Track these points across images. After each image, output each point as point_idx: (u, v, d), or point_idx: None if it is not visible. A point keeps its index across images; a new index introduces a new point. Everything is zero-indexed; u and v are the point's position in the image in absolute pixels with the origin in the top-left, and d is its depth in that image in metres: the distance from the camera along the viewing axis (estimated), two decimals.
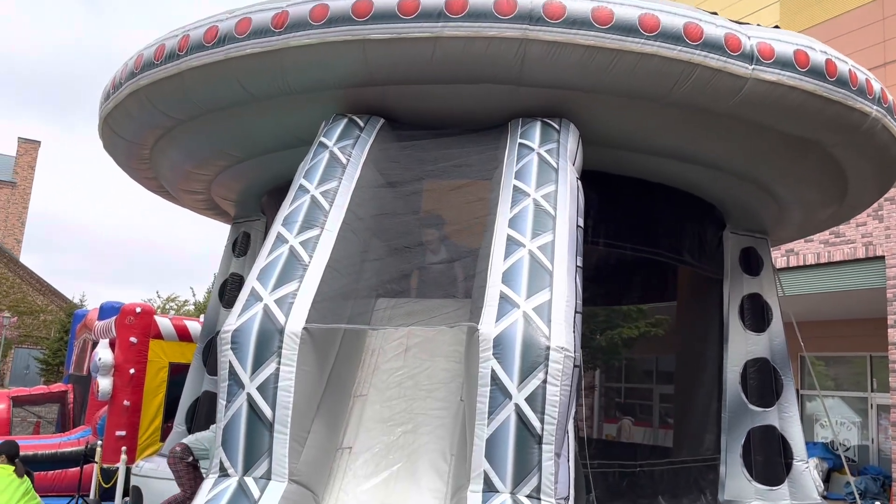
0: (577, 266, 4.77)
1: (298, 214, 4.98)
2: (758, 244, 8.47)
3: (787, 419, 7.95)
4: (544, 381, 4.00)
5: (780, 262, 14.02)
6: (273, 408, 4.17)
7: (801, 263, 14.01)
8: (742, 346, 8.03)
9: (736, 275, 8.21)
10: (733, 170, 6.74)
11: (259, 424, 4.17)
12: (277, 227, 4.95)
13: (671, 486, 6.84)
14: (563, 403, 4.02)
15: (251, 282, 4.59)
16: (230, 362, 4.27)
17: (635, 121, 5.92)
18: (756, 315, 8.17)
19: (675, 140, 6.22)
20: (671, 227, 7.37)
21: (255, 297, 4.47)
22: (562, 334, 4.14)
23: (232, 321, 4.39)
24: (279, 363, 4.23)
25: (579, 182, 5.34)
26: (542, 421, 3.94)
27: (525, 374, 4.01)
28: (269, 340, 4.27)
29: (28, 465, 7.91)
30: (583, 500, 5.01)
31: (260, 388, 4.21)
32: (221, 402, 4.27)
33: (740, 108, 5.64)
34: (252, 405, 4.18)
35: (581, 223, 5.10)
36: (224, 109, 6.23)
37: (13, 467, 7.30)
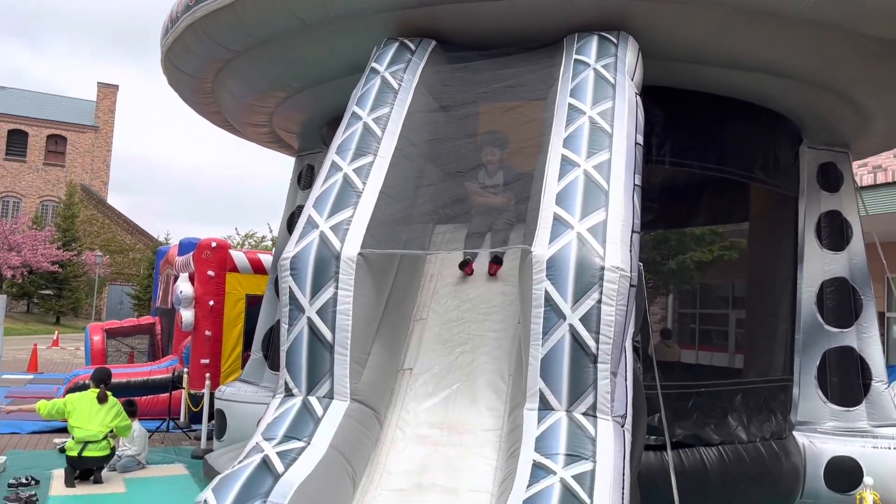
0: (635, 185, 4.64)
1: (351, 142, 4.99)
2: (837, 159, 8.04)
3: (866, 340, 7.68)
4: (599, 301, 3.96)
5: (865, 180, 13.28)
6: (333, 331, 4.29)
7: (889, 180, 13.24)
8: (818, 265, 7.73)
9: (813, 192, 7.85)
10: (809, 78, 6.35)
11: (320, 347, 4.30)
12: (331, 155, 4.99)
13: (739, 407, 6.75)
14: (619, 323, 3.98)
15: (308, 209, 4.67)
16: (290, 288, 4.39)
17: (699, 29, 5.61)
18: (834, 233, 7.83)
19: (743, 48, 5.88)
20: (742, 143, 7.04)
21: (311, 224, 4.55)
22: (617, 254, 4.06)
23: (290, 248, 4.49)
24: (336, 288, 4.32)
25: (639, 98, 5.14)
26: (596, 341, 3.91)
27: (579, 295, 3.97)
28: (325, 266, 4.36)
29: (121, 392, 8.46)
30: (644, 421, 5.00)
31: (319, 312, 4.32)
32: (284, 327, 4.41)
33: (815, 9, 5.26)
34: (312, 328, 4.31)
35: (640, 141, 4.93)
36: (278, 39, 6.24)
37: (98, 391, 7.83)
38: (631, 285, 4.05)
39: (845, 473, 6.97)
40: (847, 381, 7.54)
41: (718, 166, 7.00)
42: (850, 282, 7.69)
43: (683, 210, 9.90)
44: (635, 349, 4.53)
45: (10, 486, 7.16)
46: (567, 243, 4.07)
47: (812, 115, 7.20)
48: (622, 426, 3.95)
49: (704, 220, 11.47)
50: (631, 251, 4.18)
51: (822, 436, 7.24)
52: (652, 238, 13.13)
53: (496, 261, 5.41)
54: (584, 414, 3.89)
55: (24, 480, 7.34)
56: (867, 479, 5.31)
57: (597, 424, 3.83)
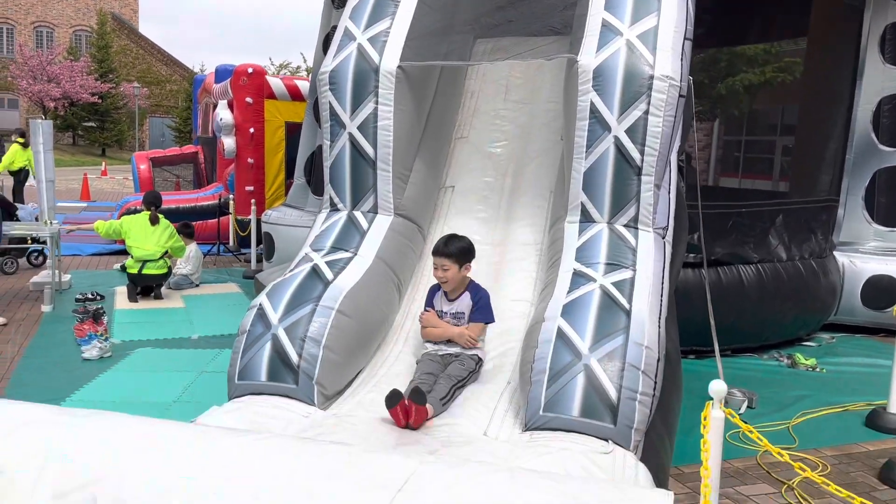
0: None
1: None
2: None
3: None
4: (646, 112, 3.85)
5: None
6: (374, 146, 4.29)
7: None
8: (878, 81, 7.36)
9: (880, 1, 7.30)
10: None
11: (362, 162, 4.32)
12: None
13: (780, 227, 6.73)
14: (666, 135, 3.89)
15: (344, 21, 4.52)
16: (330, 103, 4.35)
17: None
18: None
19: None
20: None
21: (348, 36, 4.42)
22: (667, 62, 3.89)
23: (328, 62, 4.40)
24: (377, 102, 4.27)
25: None
26: (641, 153, 3.85)
27: (626, 106, 3.86)
28: (365, 80, 4.28)
29: (170, 218, 8.76)
30: (685, 237, 5.03)
31: (360, 128, 4.30)
32: (326, 143, 4.42)
33: None
34: (354, 144, 4.31)
35: None
36: None
37: (150, 213, 8.12)
38: (680, 95, 3.92)
39: (883, 291, 7.04)
40: (895, 201, 7.42)
41: None
42: None
43: (738, 24, 9.34)
44: (679, 168, 4.47)
45: (77, 300, 7.65)
46: (615, 51, 3.90)
47: None
48: (663, 238, 3.98)
49: (760, 35, 10.81)
50: (682, 59, 3.99)
51: (862, 255, 7.25)
52: (701, 59, 12.52)
53: (418, 399, 3.36)
54: (626, 226, 3.92)
55: (89, 296, 7.82)
56: None
57: (638, 236, 3.87)
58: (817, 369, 6.30)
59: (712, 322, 4.24)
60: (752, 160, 18.90)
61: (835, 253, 7.26)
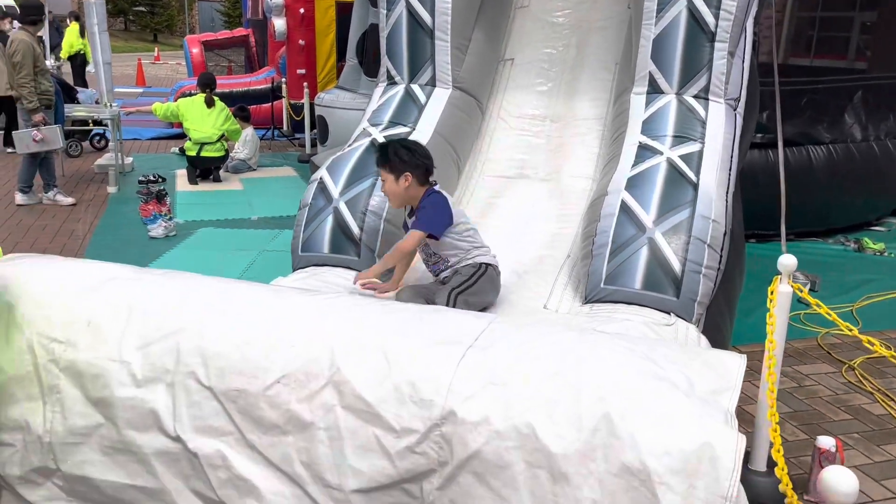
0: None
1: None
2: None
3: None
4: None
5: None
6: (432, 14, 4.13)
7: None
8: None
9: None
10: None
11: (420, 32, 4.18)
12: None
13: (857, 105, 6.38)
14: None
15: None
16: None
17: None
18: None
19: None
20: None
21: None
22: None
23: None
24: None
25: None
26: (716, 17, 3.62)
27: None
28: None
29: (224, 102, 8.76)
30: (756, 115, 4.81)
31: None
32: (382, 13, 4.28)
33: None
34: (411, 12, 4.16)
35: None
36: None
37: (205, 95, 8.12)
38: None
39: None
40: None
41: None
42: None
43: None
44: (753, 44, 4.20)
45: (140, 182, 7.83)
46: None
47: None
48: (734, 109, 3.80)
49: None
50: None
51: None
52: None
53: None
54: (696, 97, 3.74)
55: (152, 178, 7.99)
56: None
57: (708, 107, 3.70)
58: (885, 254, 6.12)
59: (783, 200, 4.11)
60: (826, 39, 17.77)
61: None
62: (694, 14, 3.63)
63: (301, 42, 11.42)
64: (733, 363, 1.86)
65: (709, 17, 3.62)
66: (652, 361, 1.77)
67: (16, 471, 1.97)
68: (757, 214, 5.17)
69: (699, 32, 3.65)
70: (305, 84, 10.67)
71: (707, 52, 3.66)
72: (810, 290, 5.19)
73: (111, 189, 7.81)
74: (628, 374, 1.69)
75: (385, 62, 4.32)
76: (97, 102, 9.50)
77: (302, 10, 11.33)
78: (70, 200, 7.33)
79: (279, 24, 11.41)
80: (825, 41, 18.06)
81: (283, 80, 11.50)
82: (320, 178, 3.75)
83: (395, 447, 1.72)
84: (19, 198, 7.28)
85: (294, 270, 3.66)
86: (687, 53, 3.68)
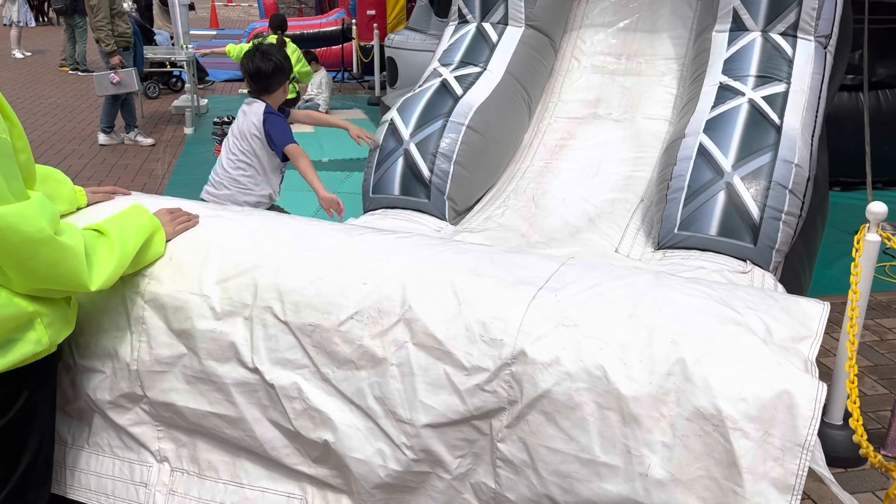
0: None
1: None
2: None
3: None
4: None
5: None
6: None
7: None
8: None
9: None
10: None
11: None
12: None
13: None
14: None
15: None
16: None
17: None
18: None
19: None
20: None
21: None
22: None
23: None
24: None
25: None
26: None
27: None
28: None
29: (296, 43, 8.78)
30: (847, 53, 4.53)
31: None
32: None
33: None
34: None
35: None
36: None
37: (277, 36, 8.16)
38: None
39: None
40: None
41: None
42: None
43: None
44: None
45: (215, 123, 7.99)
46: None
47: None
48: (825, 48, 3.58)
49: None
50: None
51: None
52: None
53: None
54: (783, 34, 3.54)
55: (226, 119, 8.14)
56: None
57: (796, 45, 3.50)
58: None
59: (867, 145, 3.90)
60: None
61: None
62: None
63: None
64: (815, 311, 1.80)
65: None
66: (729, 306, 1.72)
67: (106, 396, 2.08)
68: (842, 161, 4.93)
69: None
70: (375, 25, 10.60)
71: None
72: None
73: (188, 130, 8.00)
74: (704, 319, 1.66)
75: (456, 0, 4.23)
76: (173, 44, 9.68)
77: None
78: (150, 141, 7.55)
79: None
80: None
81: (354, 21, 11.45)
82: (391, 120, 3.75)
83: (465, 385, 1.74)
84: (101, 138, 7.54)
85: (365, 213, 3.70)
86: None
